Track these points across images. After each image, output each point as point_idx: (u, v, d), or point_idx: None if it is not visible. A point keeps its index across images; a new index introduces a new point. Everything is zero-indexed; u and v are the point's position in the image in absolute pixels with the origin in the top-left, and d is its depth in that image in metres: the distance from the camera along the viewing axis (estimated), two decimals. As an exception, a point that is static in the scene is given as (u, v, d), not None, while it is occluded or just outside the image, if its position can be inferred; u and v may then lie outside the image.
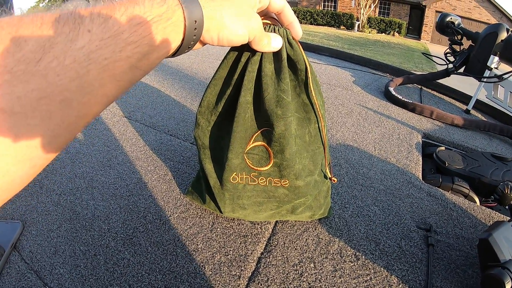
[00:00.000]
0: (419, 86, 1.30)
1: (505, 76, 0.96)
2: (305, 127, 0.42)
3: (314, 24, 15.91)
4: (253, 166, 0.42)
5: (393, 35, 14.45)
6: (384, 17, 15.34)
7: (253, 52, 0.36)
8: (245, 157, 0.41)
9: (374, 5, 14.85)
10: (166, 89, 0.98)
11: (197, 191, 0.50)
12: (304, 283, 0.40)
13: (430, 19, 14.34)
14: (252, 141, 0.41)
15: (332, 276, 0.41)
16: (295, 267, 0.42)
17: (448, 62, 1.12)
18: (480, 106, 1.14)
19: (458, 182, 0.64)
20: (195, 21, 0.24)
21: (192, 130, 0.73)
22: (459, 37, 1.10)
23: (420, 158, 0.72)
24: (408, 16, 15.28)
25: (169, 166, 0.60)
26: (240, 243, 0.45)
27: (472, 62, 1.07)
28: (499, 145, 0.88)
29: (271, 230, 0.47)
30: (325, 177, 0.47)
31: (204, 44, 0.28)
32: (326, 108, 0.94)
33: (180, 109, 0.85)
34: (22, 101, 0.16)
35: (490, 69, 1.00)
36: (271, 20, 0.36)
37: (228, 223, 0.48)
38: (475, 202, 0.62)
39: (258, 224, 0.48)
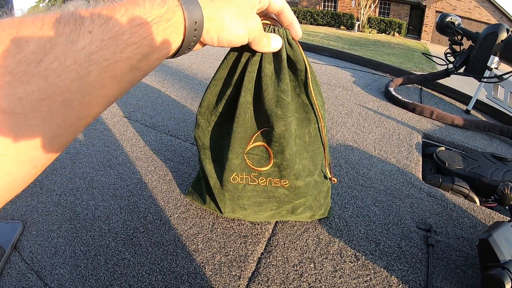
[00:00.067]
0: (419, 86, 1.30)
1: (505, 76, 0.96)
2: (305, 127, 0.42)
3: (314, 24, 15.91)
4: (253, 166, 0.42)
5: (393, 35, 14.45)
6: (384, 17, 15.34)
7: (253, 52, 0.36)
8: (245, 157, 0.41)
9: (374, 5, 14.85)
10: (166, 90, 0.98)
11: (197, 191, 0.50)
12: (304, 283, 0.40)
13: (430, 19, 14.34)
14: (252, 141, 0.41)
15: (332, 277, 0.41)
16: (295, 267, 0.42)
17: (448, 62, 1.12)
18: (480, 106, 1.14)
19: (458, 182, 0.64)
20: (195, 22, 0.24)
21: (192, 130, 0.73)
22: (459, 37, 1.10)
23: (420, 159, 0.72)
24: (408, 16, 15.29)
25: (169, 167, 0.61)
26: (240, 244, 0.45)
27: (472, 62, 1.07)
28: (499, 145, 0.88)
29: (271, 230, 0.48)
30: (325, 177, 0.47)
31: (204, 45, 0.28)
32: (326, 108, 0.94)
33: (180, 110, 0.85)
34: (23, 102, 0.16)
35: (490, 69, 1.00)
36: (270, 20, 0.36)
37: (228, 224, 0.48)
38: (475, 202, 0.62)
39: (258, 224, 0.48)
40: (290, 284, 0.40)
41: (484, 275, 0.37)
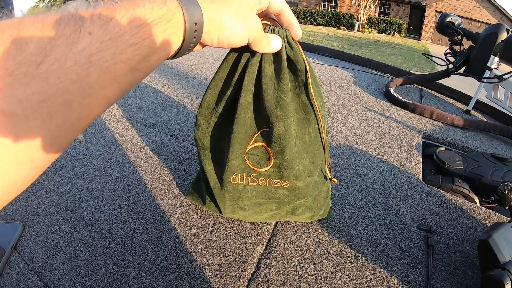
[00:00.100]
0: (419, 87, 1.30)
1: (505, 77, 0.96)
2: (305, 128, 0.42)
3: (314, 24, 15.91)
4: (253, 167, 0.42)
5: (393, 35, 14.45)
6: (384, 17, 15.34)
7: (253, 53, 0.36)
8: (245, 158, 0.41)
9: (374, 5, 14.85)
10: (166, 90, 0.98)
11: (197, 192, 0.50)
12: (304, 284, 0.40)
13: (430, 19, 14.33)
14: (252, 142, 0.41)
15: (332, 277, 0.41)
16: (295, 268, 0.42)
17: (448, 63, 1.12)
18: (480, 106, 1.14)
19: (458, 182, 0.64)
20: (195, 23, 0.24)
21: (192, 131, 0.73)
22: (459, 37, 1.10)
23: (420, 159, 0.72)
24: (408, 16, 15.28)
25: (169, 167, 0.61)
26: (240, 244, 0.45)
27: (472, 63, 1.07)
28: (499, 145, 0.88)
29: (271, 231, 0.48)
30: (325, 178, 0.47)
31: (204, 45, 0.28)
32: (326, 108, 0.94)
33: (180, 110, 0.85)
34: (23, 104, 0.16)
35: (490, 70, 1.00)
36: (270, 21, 0.36)
37: (228, 224, 0.48)
38: (475, 203, 0.62)
39: (258, 225, 0.48)
40: (290, 284, 0.40)
41: (484, 276, 0.37)
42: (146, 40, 0.21)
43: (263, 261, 0.43)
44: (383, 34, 14.62)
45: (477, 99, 1.08)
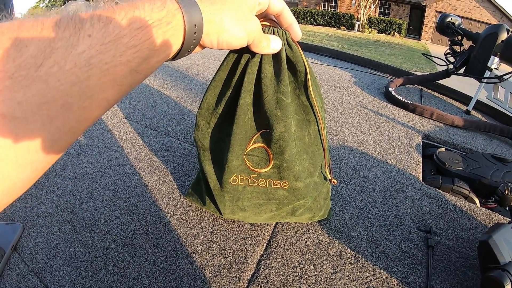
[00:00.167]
0: (419, 87, 1.30)
1: (505, 77, 0.96)
2: (305, 128, 0.42)
3: (314, 25, 15.91)
4: (253, 168, 0.42)
5: (393, 35, 14.44)
6: (384, 17, 15.33)
7: (253, 54, 0.36)
8: (245, 159, 0.41)
9: (374, 5, 14.84)
10: (166, 91, 0.98)
11: (197, 193, 0.50)
12: (304, 285, 0.40)
13: (430, 19, 14.33)
14: (252, 142, 0.41)
15: (332, 278, 0.41)
16: (295, 269, 0.42)
17: (448, 63, 1.12)
18: (481, 107, 1.14)
19: (458, 183, 0.64)
20: (195, 25, 0.24)
21: (192, 131, 0.73)
22: (460, 37, 1.10)
23: (420, 159, 0.72)
24: (408, 16, 15.28)
25: (169, 168, 0.61)
26: (240, 245, 0.45)
27: (472, 63, 1.07)
28: (500, 146, 0.88)
29: (271, 232, 0.48)
30: (325, 178, 0.47)
31: (203, 47, 0.28)
32: (326, 109, 0.94)
33: (180, 111, 0.85)
34: (23, 106, 0.16)
35: (491, 70, 1.00)
36: (270, 22, 0.36)
37: (228, 225, 0.48)
38: (475, 203, 0.62)
39: (258, 226, 0.48)
40: (290, 285, 0.40)
41: (484, 276, 0.37)
42: (146, 42, 0.21)
43: (263, 262, 0.43)
44: (383, 34, 14.62)
45: (477, 100, 1.08)
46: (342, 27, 15.41)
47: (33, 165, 0.18)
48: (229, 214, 0.46)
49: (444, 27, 1.12)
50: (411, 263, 0.44)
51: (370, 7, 14.55)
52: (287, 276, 0.41)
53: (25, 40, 0.16)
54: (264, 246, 0.45)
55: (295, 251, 0.45)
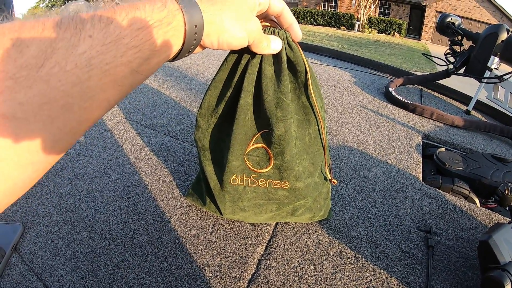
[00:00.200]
0: (420, 87, 1.30)
1: (505, 77, 0.96)
2: (305, 129, 0.42)
3: (314, 25, 15.90)
4: (253, 168, 0.42)
5: (393, 35, 14.44)
6: (384, 17, 15.33)
7: (253, 54, 0.36)
8: (245, 159, 0.41)
9: (374, 5, 14.84)
10: (166, 91, 0.98)
11: (197, 193, 0.50)
12: (304, 285, 0.40)
13: (430, 19, 14.33)
14: (252, 143, 0.41)
15: (332, 278, 0.41)
16: (295, 269, 0.42)
17: (448, 63, 1.12)
18: (481, 107, 1.14)
19: (459, 183, 0.64)
20: (195, 26, 0.24)
21: (192, 131, 0.73)
22: (460, 37, 1.10)
23: (420, 159, 0.72)
24: (408, 16, 15.27)
25: (169, 168, 0.61)
26: (240, 245, 0.45)
27: (472, 63, 1.07)
28: (500, 146, 0.88)
29: (271, 232, 0.48)
30: (325, 179, 0.47)
31: (204, 47, 0.28)
32: (326, 109, 0.94)
33: (180, 111, 0.85)
34: (24, 107, 0.16)
35: (491, 70, 1.00)
36: (270, 22, 0.36)
37: (228, 225, 0.48)
38: (475, 203, 0.62)
39: (258, 226, 0.48)
40: (290, 286, 0.40)
41: (484, 276, 0.37)
42: (147, 42, 0.21)
43: (263, 262, 0.43)
44: (383, 34, 14.62)
45: (477, 100, 1.08)
46: (342, 27, 15.41)
47: (34, 165, 0.18)
48: (230, 214, 0.46)
49: (444, 27, 1.12)
50: (411, 263, 0.44)
51: (370, 7, 14.55)
52: (287, 276, 0.41)
53: (26, 41, 0.16)
54: (265, 246, 0.45)
55: (296, 251, 0.45)
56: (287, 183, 0.42)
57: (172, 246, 0.44)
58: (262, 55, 0.36)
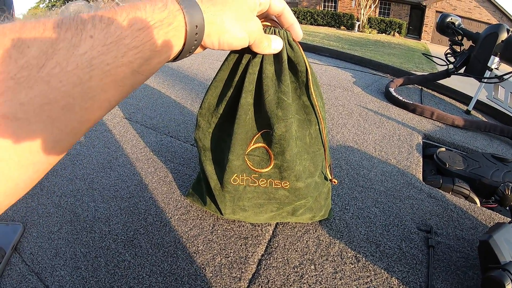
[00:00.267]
0: (420, 87, 1.30)
1: (505, 77, 0.96)
2: (306, 128, 0.42)
3: (315, 25, 15.90)
4: (253, 168, 0.42)
5: (394, 35, 14.44)
6: (384, 17, 15.32)
7: (254, 54, 0.36)
8: (246, 159, 0.41)
9: (374, 5, 14.84)
10: (167, 91, 0.98)
11: (198, 193, 0.50)
12: (304, 285, 0.40)
13: (430, 19, 14.32)
14: (252, 142, 0.41)
15: (333, 278, 0.41)
16: (296, 269, 0.42)
17: (448, 63, 1.12)
18: (481, 106, 1.14)
19: (459, 183, 0.64)
20: (196, 26, 0.24)
21: (193, 131, 0.73)
22: (460, 37, 1.10)
23: (421, 159, 0.72)
24: (409, 16, 15.27)
25: (169, 168, 0.61)
26: (241, 245, 0.45)
27: (472, 63, 1.07)
28: (500, 146, 0.88)
29: (271, 232, 0.48)
30: (326, 178, 0.47)
31: (205, 48, 0.28)
32: (326, 109, 0.94)
33: (181, 111, 0.85)
34: (25, 107, 0.16)
35: (491, 70, 1.00)
36: (271, 22, 0.36)
37: (228, 225, 0.48)
38: (475, 203, 0.62)
39: (258, 226, 0.48)
40: (290, 285, 0.40)
41: (485, 276, 0.37)
42: (148, 43, 0.21)
43: (263, 262, 0.43)
44: (383, 34, 14.61)
45: (477, 99, 1.08)
46: (342, 27, 15.40)
47: (35, 165, 0.18)
48: (230, 214, 0.46)
49: (444, 27, 1.12)
50: (412, 263, 0.44)
51: (370, 7, 14.55)
52: (287, 276, 0.41)
53: (27, 41, 0.16)
54: (265, 246, 0.45)
55: (296, 251, 0.45)
56: (288, 183, 0.42)
57: (173, 246, 0.44)
58: (263, 55, 0.36)
